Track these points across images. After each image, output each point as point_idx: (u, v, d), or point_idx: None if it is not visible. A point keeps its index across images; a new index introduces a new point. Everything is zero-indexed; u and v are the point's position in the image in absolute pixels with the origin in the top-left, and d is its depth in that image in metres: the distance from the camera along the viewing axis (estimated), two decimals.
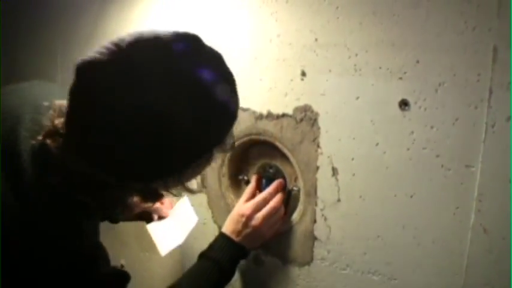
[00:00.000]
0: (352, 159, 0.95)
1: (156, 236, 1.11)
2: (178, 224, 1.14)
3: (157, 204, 1.13)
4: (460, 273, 0.86)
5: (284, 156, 1.08)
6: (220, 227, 1.23)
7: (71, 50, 1.56)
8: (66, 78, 1.60)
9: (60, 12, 1.57)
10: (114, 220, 1.07)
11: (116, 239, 1.42)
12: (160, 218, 1.16)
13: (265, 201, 1.05)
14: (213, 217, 1.23)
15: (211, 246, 1.02)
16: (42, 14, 1.63)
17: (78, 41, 1.52)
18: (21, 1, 1.68)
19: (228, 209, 1.19)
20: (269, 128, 1.06)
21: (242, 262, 1.05)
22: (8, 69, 1.85)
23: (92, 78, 0.62)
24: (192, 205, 1.26)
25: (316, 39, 0.96)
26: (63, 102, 0.68)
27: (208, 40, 1.14)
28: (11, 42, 1.75)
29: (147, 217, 1.15)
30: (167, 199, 1.15)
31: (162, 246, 1.14)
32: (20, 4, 1.68)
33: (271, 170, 1.15)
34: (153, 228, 1.13)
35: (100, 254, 0.82)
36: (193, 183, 0.94)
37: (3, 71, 1.86)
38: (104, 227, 1.63)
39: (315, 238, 1.05)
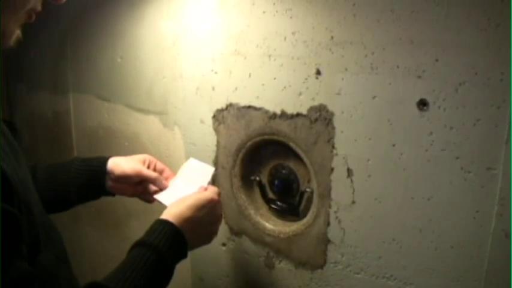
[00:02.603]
0: (368, 160, 0.93)
1: (169, 202, 1.00)
2: (191, 182, 1.06)
3: (156, 175, 1.06)
4: (480, 279, 0.83)
5: (297, 157, 1.06)
6: (231, 228, 1.22)
7: (80, 43, 1.56)
8: (76, 72, 1.61)
9: (70, 6, 1.57)
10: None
11: (124, 240, 1.41)
12: (159, 190, 1.08)
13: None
14: (224, 218, 1.21)
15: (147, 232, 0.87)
16: (52, 8, 1.63)
17: (87, 34, 1.51)
18: None
19: (240, 210, 1.17)
20: (282, 128, 1.04)
21: (246, 264, 0.99)
22: (19, 62, 1.85)
23: None
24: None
25: (332, 37, 0.93)
26: None
27: (220, 38, 1.14)
28: (22, 37, 1.75)
29: (145, 192, 1.07)
30: (167, 169, 1.11)
31: None
32: None
33: (283, 171, 1.13)
34: (164, 197, 1.05)
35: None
36: None
37: (16, 63, 1.87)
38: (111, 228, 1.63)
39: (328, 241, 1.02)
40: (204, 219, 0.93)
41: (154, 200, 1.06)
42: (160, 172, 1.09)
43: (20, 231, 0.62)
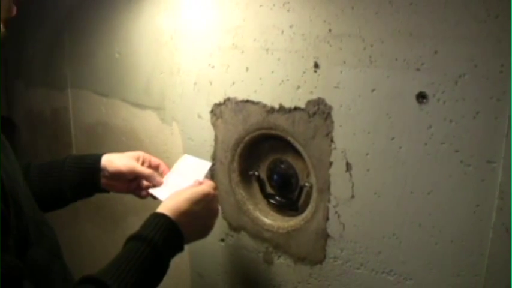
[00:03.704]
0: (367, 154, 0.92)
1: (165, 196, 1.00)
2: (187, 177, 1.05)
3: (150, 171, 1.05)
4: (480, 274, 0.83)
5: (296, 152, 1.05)
6: (230, 224, 1.21)
7: (78, 39, 1.55)
8: (74, 68, 1.60)
9: (67, 4, 1.56)
10: None
11: (123, 236, 1.40)
12: (153, 186, 1.07)
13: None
14: (223, 213, 1.21)
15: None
16: (50, 6, 1.62)
17: (85, 32, 1.51)
18: None
19: (238, 205, 1.17)
20: (281, 122, 1.03)
21: (245, 259, 0.98)
22: (17, 61, 1.85)
23: None
24: None
25: (329, 30, 0.92)
26: None
27: (218, 32, 1.13)
28: (20, 34, 1.74)
29: (139, 188, 1.07)
30: (162, 164, 1.10)
31: None
32: None
33: (282, 166, 1.12)
34: (159, 191, 1.05)
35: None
36: None
37: (13, 62, 1.86)
38: (110, 224, 1.63)
39: (327, 236, 1.01)
40: (201, 213, 0.92)
41: (147, 194, 1.05)
42: (156, 167, 1.08)
43: (6, 225, 0.61)
